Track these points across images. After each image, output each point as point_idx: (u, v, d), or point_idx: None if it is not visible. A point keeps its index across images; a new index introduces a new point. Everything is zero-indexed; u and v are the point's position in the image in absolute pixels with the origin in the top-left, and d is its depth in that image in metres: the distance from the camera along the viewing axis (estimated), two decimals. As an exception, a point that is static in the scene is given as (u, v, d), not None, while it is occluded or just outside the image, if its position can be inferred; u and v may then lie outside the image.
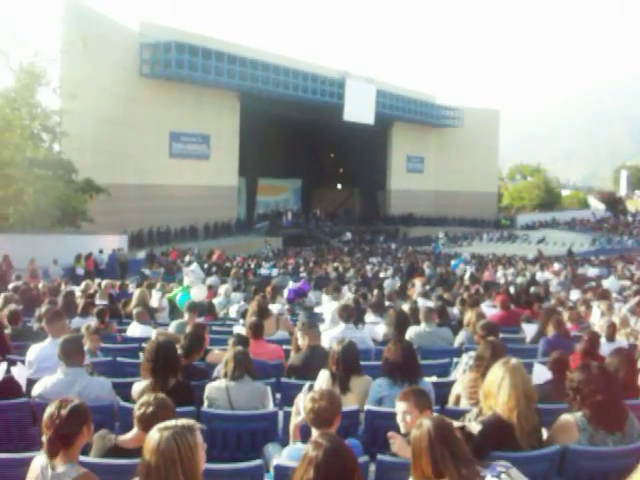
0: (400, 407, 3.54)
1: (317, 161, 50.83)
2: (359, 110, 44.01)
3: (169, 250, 27.94)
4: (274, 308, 8.73)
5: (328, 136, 46.75)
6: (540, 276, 19.37)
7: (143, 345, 6.29)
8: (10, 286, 12.34)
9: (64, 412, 2.89)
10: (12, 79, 22.24)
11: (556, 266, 22.19)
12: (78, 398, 3.10)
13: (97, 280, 14.22)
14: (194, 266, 14.03)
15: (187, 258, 25.35)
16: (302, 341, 5.63)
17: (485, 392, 3.60)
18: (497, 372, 3.55)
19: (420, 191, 53.02)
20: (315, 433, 3.28)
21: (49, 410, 2.94)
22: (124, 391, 4.65)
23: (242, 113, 39.86)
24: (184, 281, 12.67)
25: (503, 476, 2.26)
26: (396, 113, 48.18)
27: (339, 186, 56.89)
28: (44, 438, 2.88)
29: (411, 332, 7.04)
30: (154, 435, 2.53)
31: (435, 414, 3.17)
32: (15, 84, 22.21)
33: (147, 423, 3.22)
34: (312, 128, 45.24)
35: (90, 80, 27.75)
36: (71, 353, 4.50)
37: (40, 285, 12.39)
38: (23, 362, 5.41)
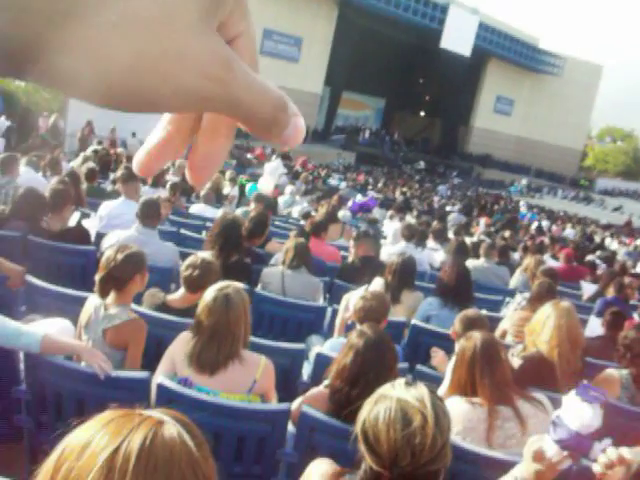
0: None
1: (404, 84, 49.65)
2: (457, 39, 42.51)
3: (254, 148, 27.97)
4: (340, 215, 8.81)
5: (420, 61, 45.48)
6: (609, 242, 18.91)
7: (207, 224, 6.48)
8: (90, 149, 12.72)
9: (120, 256, 3.01)
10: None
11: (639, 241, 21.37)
12: (138, 248, 3.21)
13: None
14: (276, 162, 14.01)
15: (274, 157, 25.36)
16: (354, 250, 5.69)
17: (530, 328, 3.60)
18: (545, 310, 3.54)
19: (503, 134, 51.46)
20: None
21: (107, 253, 3.08)
22: (186, 259, 4.82)
23: (338, 22, 38.94)
24: (265, 171, 12.73)
25: (596, 404, 1.79)
26: (494, 49, 46.28)
27: (422, 113, 55.64)
28: (97, 277, 3.02)
29: (469, 264, 7.02)
30: (213, 294, 2.65)
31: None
32: None
33: (193, 285, 3.38)
34: (406, 50, 44.04)
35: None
36: (149, 214, 4.69)
37: (119, 152, 12.73)
38: (94, 216, 5.65)
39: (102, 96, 0.32)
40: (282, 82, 35.89)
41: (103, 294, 3.00)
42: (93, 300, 3.04)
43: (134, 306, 3.43)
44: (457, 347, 2.76)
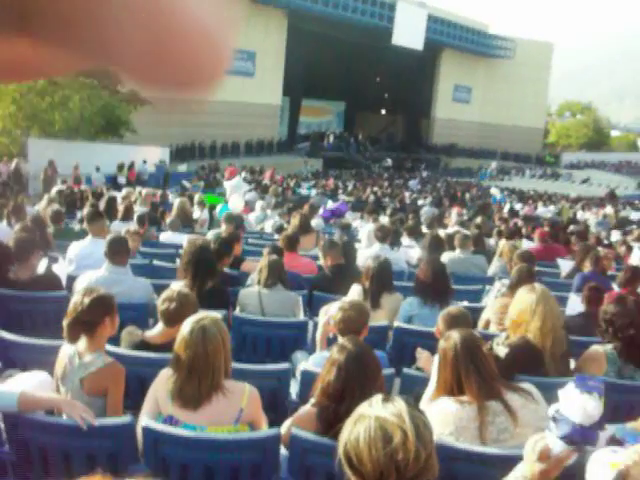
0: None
1: (362, 85, 49.76)
2: (408, 35, 42.81)
3: (226, 167, 27.84)
4: (313, 224, 8.79)
5: (375, 60, 45.63)
6: (580, 215, 19.10)
7: (180, 251, 6.43)
8: (54, 189, 12.60)
9: (87, 300, 2.95)
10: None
11: (608, 209, 21.59)
12: (104, 289, 3.16)
13: (138, 188, 14.41)
14: (236, 180, 13.98)
15: (243, 175, 25.25)
16: (323, 261, 5.67)
17: (516, 319, 3.59)
18: (528, 298, 3.54)
19: (465, 122, 51.87)
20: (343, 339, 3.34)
21: (74, 297, 3.02)
22: (160, 292, 4.77)
23: (289, 31, 39.07)
24: (226, 193, 12.72)
25: (595, 394, 1.79)
26: (446, 40, 46.72)
27: (383, 111, 55.85)
28: (64, 322, 2.95)
29: (445, 257, 7.02)
30: (189, 327, 2.62)
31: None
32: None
33: (171, 318, 3.33)
34: (359, 51, 44.20)
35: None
36: (117, 252, 4.62)
37: (83, 189, 12.63)
38: (63, 259, 5.57)
39: None
40: (240, 97, 35.92)
41: (72, 339, 2.94)
42: (66, 350, 2.99)
43: (112, 347, 3.38)
44: (438, 349, 2.74)
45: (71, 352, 2.94)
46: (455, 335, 2.67)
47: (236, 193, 12.00)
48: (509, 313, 3.66)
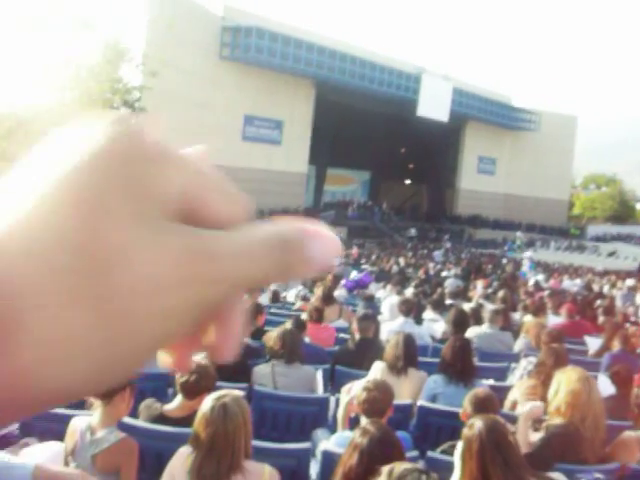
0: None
1: (387, 155, 50.37)
2: (433, 107, 43.52)
3: None
4: (336, 295, 8.75)
5: (400, 130, 46.27)
6: (607, 289, 18.81)
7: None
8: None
9: None
10: (98, 53, 22.84)
11: (629, 281, 21.32)
12: None
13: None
14: None
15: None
16: (355, 333, 5.60)
17: (564, 405, 3.46)
18: (578, 384, 3.45)
19: (489, 193, 52.11)
20: (364, 421, 3.25)
21: None
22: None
23: (316, 102, 39.99)
24: None
25: None
26: (471, 112, 47.42)
27: (407, 181, 56.39)
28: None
29: (471, 332, 6.92)
30: (210, 404, 2.57)
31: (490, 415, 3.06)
32: (100, 58, 22.81)
33: (190, 391, 3.29)
34: (385, 121, 44.88)
35: (171, 60, 28.29)
36: None
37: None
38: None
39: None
40: (267, 165, 36.55)
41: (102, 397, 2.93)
42: (78, 423, 2.94)
43: (130, 420, 3.32)
44: (462, 437, 2.64)
45: (83, 426, 2.90)
46: (479, 423, 2.57)
47: None
48: (555, 398, 3.54)
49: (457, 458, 2.65)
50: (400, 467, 1.92)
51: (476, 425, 2.58)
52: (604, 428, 3.42)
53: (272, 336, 4.65)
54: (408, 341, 4.66)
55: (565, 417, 3.38)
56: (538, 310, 8.79)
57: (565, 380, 3.47)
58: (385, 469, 1.94)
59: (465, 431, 2.62)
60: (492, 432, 2.53)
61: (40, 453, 2.99)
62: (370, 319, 5.68)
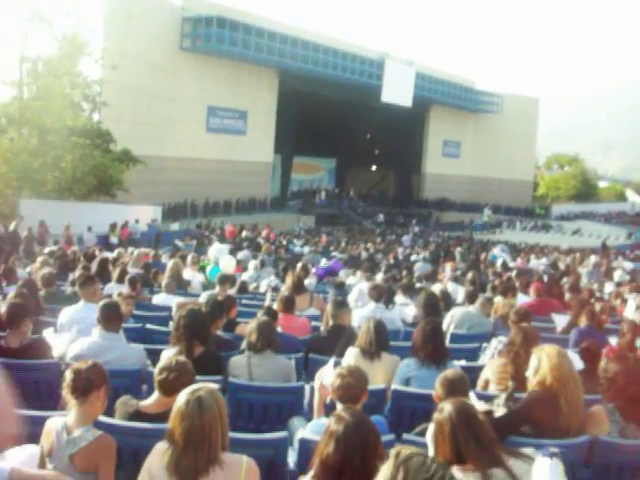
0: None
1: (353, 141, 50.41)
2: (397, 92, 43.63)
3: (226, 226, 27.90)
4: (307, 283, 8.76)
5: (365, 117, 46.35)
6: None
7: (173, 314, 6.37)
8: (46, 250, 12.55)
9: (86, 365, 3.01)
10: (55, 47, 22.45)
11: (592, 259, 21.70)
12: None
13: (130, 249, 14.36)
14: (217, 246, 13.95)
15: (244, 234, 25.28)
16: (329, 321, 5.61)
17: (554, 376, 3.52)
18: (560, 359, 3.53)
19: (455, 176, 52.56)
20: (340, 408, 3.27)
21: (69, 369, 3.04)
22: (153, 358, 4.70)
23: (280, 90, 39.86)
24: (218, 253, 12.64)
25: (555, 459, 2.38)
26: (434, 97, 47.70)
27: (374, 167, 56.55)
28: (63, 392, 2.97)
29: (458, 311, 7.05)
30: (185, 398, 2.56)
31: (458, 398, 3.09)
32: (58, 53, 22.42)
33: (169, 388, 3.27)
34: (349, 108, 44.90)
35: (131, 52, 27.93)
36: (110, 318, 4.58)
37: (75, 250, 12.58)
38: (55, 325, 5.50)
39: None
40: (232, 156, 36.36)
41: (77, 395, 2.95)
42: (53, 424, 2.92)
43: (106, 418, 3.30)
44: (433, 420, 2.68)
45: (58, 427, 2.88)
46: (448, 407, 2.61)
47: (224, 255, 11.94)
48: (535, 375, 3.60)
49: (429, 440, 2.69)
50: (406, 450, 1.95)
51: (446, 408, 2.62)
52: (583, 399, 3.51)
53: (249, 328, 4.64)
54: (379, 326, 4.69)
55: (551, 389, 3.47)
56: (507, 290, 8.90)
57: (545, 356, 3.54)
58: (392, 452, 1.96)
59: (436, 415, 2.65)
60: (462, 413, 2.57)
61: (15, 457, 2.95)
62: (343, 306, 5.70)
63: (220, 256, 11.76)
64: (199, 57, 34.17)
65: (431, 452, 2.68)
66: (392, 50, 47.79)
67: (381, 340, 4.65)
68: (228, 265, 10.47)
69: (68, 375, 2.97)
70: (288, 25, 39.17)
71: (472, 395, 3.65)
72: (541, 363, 3.54)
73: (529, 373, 3.64)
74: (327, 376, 3.70)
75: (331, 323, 5.55)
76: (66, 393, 2.95)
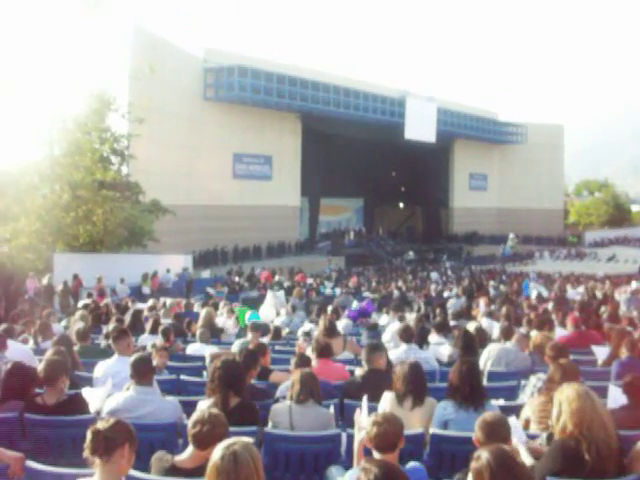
0: None
1: (379, 180, 50.55)
2: (420, 128, 43.81)
3: (261, 271, 28.10)
4: (339, 326, 8.70)
5: (389, 155, 46.56)
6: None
7: (207, 364, 6.36)
8: (80, 304, 12.69)
9: (107, 424, 2.99)
10: (83, 105, 23.00)
11: (634, 284, 21.16)
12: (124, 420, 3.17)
13: (162, 299, 14.46)
14: (280, 293, 13.92)
15: (277, 278, 25.46)
16: (367, 365, 5.52)
17: (575, 423, 3.41)
18: (580, 401, 3.39)
19: (483, 209, 52.33)
20: (377, 456, 3.21)
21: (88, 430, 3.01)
22: (188, 410, 4.68)
23: (303, 134, 40.33)
24: (266, 301, 12.55)
25: None
26: (458, 131, 47.81)
27: (401, 205, 56.60)
28: (84, 453, 2.94)
29: (494, 348, 6.95)
30: (220, 453, 2.53)
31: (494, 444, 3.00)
32: (85, 110, 22.97)
33: (203, 441, 3.24)
34: (373, 147, 45.18)
35: (156, 104, 28.57)
36: (143, 372, 4.59)
37: (108, 302, 12.70)
38: (91, 380, 5.54)
39: None
40: (259, 201, 36.68)
41: (94, 453, 2.91)
42: None
43: (141, 474, 3.29)
44: (471, 470, 2.61)
45: None
46: (485, 454, 2.55)
47: (271, 304, 11.91)
48: (556, 423, 3.47)
49: None
50: None
51: (483, 456, 2.55)
52: (616, 436, 3.36)
53: (293, 379, 4.62)
54: (415, 370, 4.61)
55: (572, 436, 3.32)
56: (543, 324, 8.73)
57: (565, 400, 3.40)
58: None
59: (473, 464, 2.59)
60: (500, 458, 2.51)
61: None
62: (377, 349, 5.60)
63: (269, 304, 11.76)
64: (223, 106, 34.77)
65: None
66: (412, 87, 48.67)
67: (418, 385, 4.56)
68: (267, 313, 10.47)
69: (87, 435, 2.94)
70: (308, 69, 39.75)
71: (514, 439, 3.54)
72: (561, 408, 3.40)
73: (552, 421, 3.51)
74: (364, 419, 3.66)
75: (366, 368, 5.47)
76: (87, 454, 2.92)
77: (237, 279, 25.45)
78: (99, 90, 22.86)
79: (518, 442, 3.52)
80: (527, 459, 3.38)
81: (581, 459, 3.22)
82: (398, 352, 6.64)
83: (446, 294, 20.13)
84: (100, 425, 2.97)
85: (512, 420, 3.66)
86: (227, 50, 35.80)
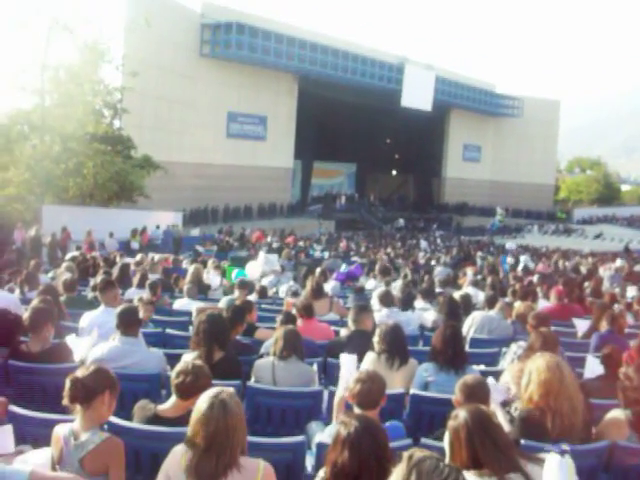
0: None
1: (373, 146, 50.31)
2: (417, 96, 43.53)
3: (253, 230, 28.05)
4: (327, 288, 8.76)
5: (385, 121, 46.30)
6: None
7: (193, 319, 6.41)
8: (68, 256, 12.67)
9: (86, 371, 3.01)
10: (76, 55, 22.69)
11: (618, 262, 21.36)
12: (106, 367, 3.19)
13: (151, 254, 14.46)
14: (274, 256, 13.89)
15: (268, 239, 25.43)
16: (354, 325, 5.58)
17: (541, 394, 3.46)
18: (549, 373, 3.43)
19: (475, 180, 52.33)
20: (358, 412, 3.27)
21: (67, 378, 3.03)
22: (173, 362, 4.72)
23: (299, 96, 39.95)
24: (258, 260, 12.50)
25: (566, 456, 2.40)
26: (454, 101, 47.52)
27: (394, 172, 56.47)
28: (65, 392, 2.96)
29: (478, 315, 7.04)
30: (209, 402, 2.57)
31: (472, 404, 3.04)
32: (79, 60, 22.67)
33: (186, 392, 3.29)
34: (369, 113, 44.93)
35: (151, 59, 28.23)
36: (129, 323, 4.62)
37: (96, 255, 12.69)
38: (77, 330, 5.56)
39: None
40: (252, 161, 36.50)
41: (71, 400, 2.94)
42: (60, 431, 2.94)
43: (124, 422, 3.34)
44: (448, 428, 2.66)
45: (66, 432, 2.90)
46: (463, 413, 2.60)
47: (260, 264, 11.89)
48: (525, 391, 3.52)
49: (446, 446, 2.67)
50: (419, 453, 1.94)
51: (460, 415, 2.60)
52: (582, 410, 3.40)
53: (275, 335, 4.67)
54: (394, 331, 4.67)
55: (538, 406, 3.38)
56: (526, 295, 8.83)
57: (535, 369, 3.44)
58: (405, 455, 1.96)
59: (450, 422, 2.64)
60: (477, 418, 2.56)
61: (34, 459, 2.99)
62: (364, 310, 5.66)
63: (257, 263, 11.75)
64: (219, 63, 34.37)
65: (448, 460, 2.67)
66: (411, 54, 48.15)
67: (398, 346, 4.63)
68: (253, 270, 10.50)
69: (66, 384, 2.97)
70: (307, 30, 39.26)
71: (493, 401, 3.60)
72: (530, 378, 3.44)
73: (522, 386, 3.55)
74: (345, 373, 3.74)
75: (352, 328, 5.54)
76: (66, 402, 2.96)
77: (227, 238, 25.44)
78: (93, 41, 22.54)
79: (496, 405, 3.58)
80: (504, 425, 3.44)
81: (544, 429, 3.29)
82: (380, 315, 6.71)
83: (433, 262, 20.23)
84: (79, 373, 3.00)
85: (490, 380, 3.73)
86: (225, 5, 35.19)
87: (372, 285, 11.31)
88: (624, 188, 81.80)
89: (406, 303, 7.61)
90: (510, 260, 21.59)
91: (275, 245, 22.23)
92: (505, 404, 3.74)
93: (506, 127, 53.40)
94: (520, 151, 53.53)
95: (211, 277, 10.43)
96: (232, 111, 36.21)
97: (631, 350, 5.32)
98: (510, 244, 30.66)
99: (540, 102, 54.67)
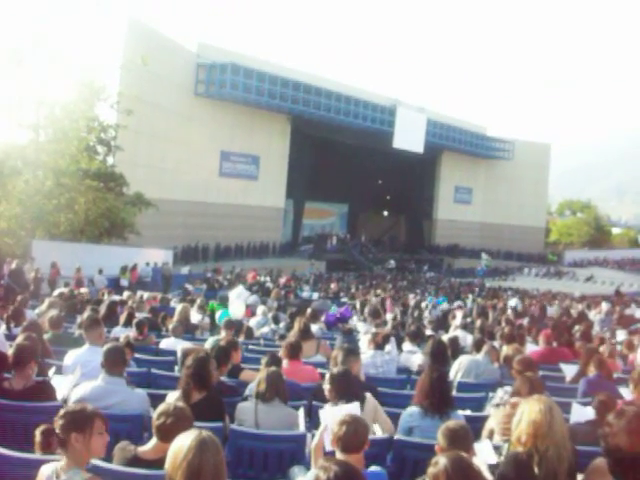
0: None
1: (364, 187, 50.66)
2: (409, 138, 44.01)
3: (249, 270, 27.97)
4: (315, 330, 8.71)
5: (377, 162, 46.65)
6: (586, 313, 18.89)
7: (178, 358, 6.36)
8: (55, 292, 12.60)
9: (62, 412, 3.00)
10: (71, 92, 22.88)
11: (604, 306, 21.47)
12: (97, 401, 3.16)
13: (140, 292, 14.39)
14: (239, 289, 13.85)
15: (262, 279, 25.32)
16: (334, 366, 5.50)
17: (529, 434, 3.43)
18: (540, 415, 3.41)
19: (467, 222, 52.67)
20: (341, 457, 3.22)
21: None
22: (157, 403, 4.67)
23: (292, 136, 40.37)
24: (232, 297, 12.52)
25: None
26: (446, 143, 48.07)
27: (385, 213, 56.78)
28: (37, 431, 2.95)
29: (465, 359, 7.00)
30: (188, 442, 2.49)
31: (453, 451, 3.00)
32: (74, 97, 22.85)
33: (166, 433, 3.23)
34: (361, 154, 45.34)
35: (147, 97, 28.48)
36: (114, 362, 4.58)
37: (82, 292, 12.62)
38: (61, 367, 5.51)
39: None
40: (244, 200, 36.65)
41: (43, 449, 2.92)
42: (45, 471, 2.91)
43: (104, 464, 3.29)
44: (428, 476, 2.63)
45: (49, 472, 2.87)
46: (443, 460, 2.58)
47: (237, 299, 11.92)
48: (517, 427, 3.50)
49: None
50: None
51: (440, 461, 2.58)
52: (567, 458, 3.37)
53: (259, 377, 4.61)
54: (340, 377, 4.59)
55: (525, 447, 3.35)
56: (513, 338, 8.79)
57: (527, 410, 3.43)
58: None
59: (430, 469, 2.61)
60: (457, 465, 2.54)
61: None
62: (352, 353, 5.56)
63: (236, 301, 11.74)
64: (213, 103, 34.73)
65: None
66: (404, 96, 48.52)
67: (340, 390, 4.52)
68: (237, 310, 10.47)
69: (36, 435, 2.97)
70: (301, 72, 39.78)
71: (477, 447, 3.57)
72: (522, 417, 3.43)
73: (513, 426, 3.54)
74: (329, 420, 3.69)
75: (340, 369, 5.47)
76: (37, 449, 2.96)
77: (217, 277, 25.36)
78: (89, 78, 22.75)
79: (481, 462, 3.53)
80: (487, 475, 3.40)
81: (531, 472, 3.26)
82: (364, 357, 6.67)
83: (424, 304, 20.18)
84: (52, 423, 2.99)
85: (486, 443, 3.70)
86: (221, 46, 35.73)
87: (364, 328, 11.22)
88: (615, 231, 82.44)
89: (384, 343, 7.57)
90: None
91: (268, 285, 22.16)
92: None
93: (497, 170, 53.95)
94: (511, 193, 54.02)
95: (199, 317, 10.38)
96: (225, 150, 36.47)
97: (626, 400, 5.28)
98: (512, 302, 30.56)
99: (531, 145, 55.39)
